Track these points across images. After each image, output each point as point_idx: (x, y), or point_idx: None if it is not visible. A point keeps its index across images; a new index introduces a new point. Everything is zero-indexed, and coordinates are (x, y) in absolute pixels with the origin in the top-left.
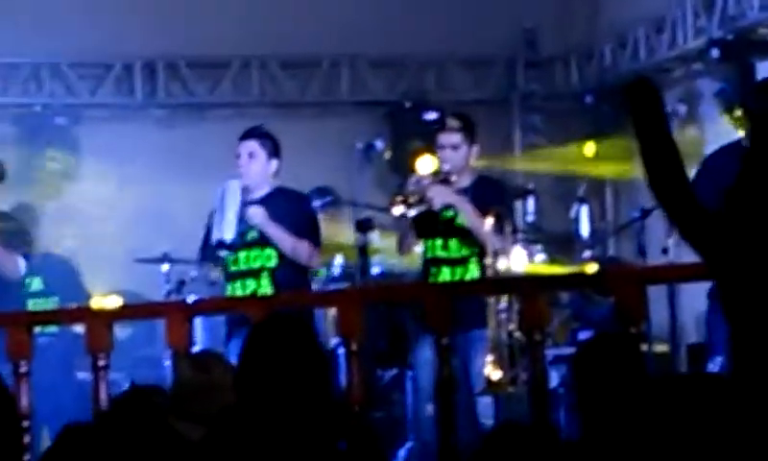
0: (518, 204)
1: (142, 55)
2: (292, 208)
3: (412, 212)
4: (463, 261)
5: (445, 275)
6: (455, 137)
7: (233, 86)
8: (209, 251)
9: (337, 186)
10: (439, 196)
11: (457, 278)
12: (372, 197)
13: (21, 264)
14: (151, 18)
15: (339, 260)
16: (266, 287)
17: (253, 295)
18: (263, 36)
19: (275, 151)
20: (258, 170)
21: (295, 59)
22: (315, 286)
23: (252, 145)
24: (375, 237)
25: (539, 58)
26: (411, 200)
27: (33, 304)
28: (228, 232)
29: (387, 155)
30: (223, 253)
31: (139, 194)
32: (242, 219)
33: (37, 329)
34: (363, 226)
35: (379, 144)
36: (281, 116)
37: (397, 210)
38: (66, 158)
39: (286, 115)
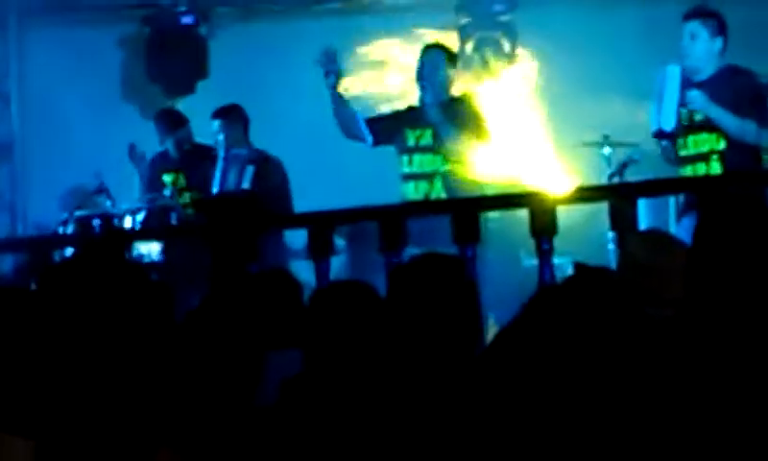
0: None
1: None
2: (738, 86)
3: None
4: None
5: None
6: None
7: None
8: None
9: None
10: None
11: None
12: None
13: None
14: None
15: None
16: (716, 169)
17: (694, 177)
18: None
19: (719, 29)
20: (702, 50)
21: None
22: None
23: (694, 25)
24: None
25: None
26: None
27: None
28: (666, 121)
29: None
30: (664, 142)
31: (576, 78)
32: (683, 104)
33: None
34: None
35: None
36: None
37: None
38: None
39: None
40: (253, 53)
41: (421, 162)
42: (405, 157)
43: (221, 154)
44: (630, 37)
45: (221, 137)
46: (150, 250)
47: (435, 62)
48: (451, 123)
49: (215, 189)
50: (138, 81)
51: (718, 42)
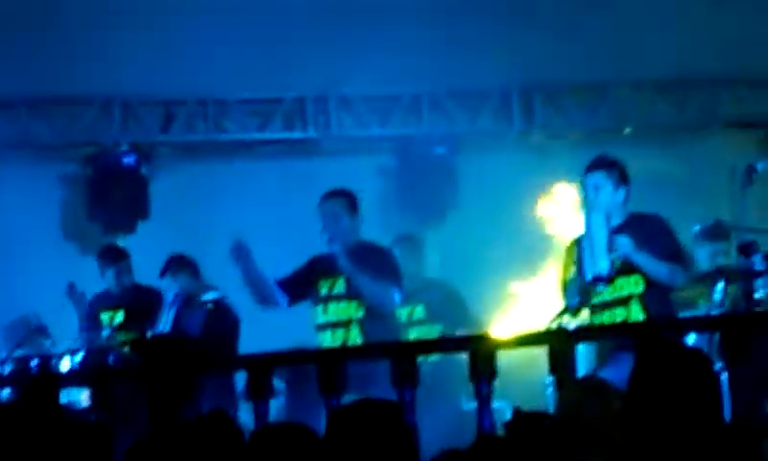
0: None
1: (519, 82)
2: (650, 232)
3: None
4: None
5: None
6: None
7: (610, 111)
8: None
9: (719, 210)
10: None
11: None
12: (755, 220)
13: (395, 297)
14: (525, 45)
15: (720, 285)
16: (636, 313)
17: (635, 322)
18: (640, 59)
19: (621, 179)
20: (607, 201)
21: (672, 82)
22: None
23: (598, 176)
24: (758, 261)
25: None
26: None
27: (414, 333)
28: (602, 266)
29: None
30: (600, 287)
31: (518, 220)
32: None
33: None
34: (746, 249)
35: (761, 166)
36: (661, 141)
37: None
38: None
39: (667, 140)
40: (195, 193)
41: (336, 310)
42: (320, 307)
43: (170, 297)
44: (565, 180)
45: (174, 283)
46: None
47: (335, 211)
48: (363, 270)
49: (163, 331)
50: (79, 219)
51: (622, 192)
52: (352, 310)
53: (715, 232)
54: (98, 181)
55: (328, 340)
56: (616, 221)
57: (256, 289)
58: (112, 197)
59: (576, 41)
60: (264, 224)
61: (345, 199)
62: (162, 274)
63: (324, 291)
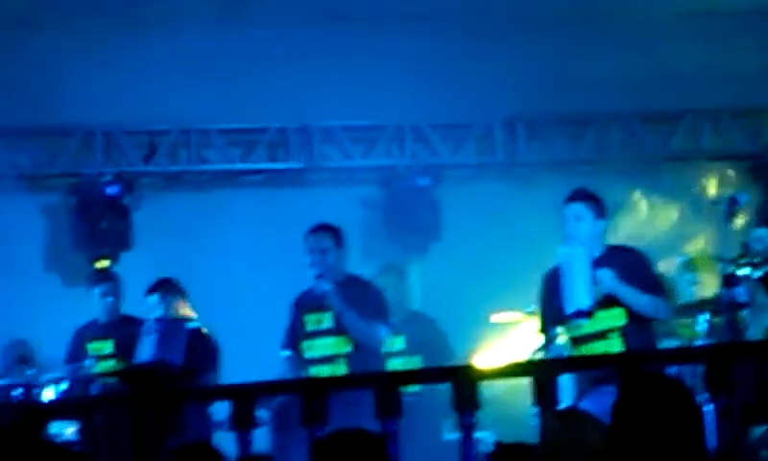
0: None
1: (502, 114)
2: (628, 265)
3: (758, 273)
4: None
5: None
6: None
7: (593, 143)
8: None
9: (702, 241)
10: None
11: None
12: (737, 252)
13: (383, 334)
14: (508, 77)
15: (704, 317)
16: (616, 347)
17: (617, 354)
18: (622, 91)
19: (600, 212)
20: (586, 232)
21: (656, 114)
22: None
23: (579, 207)
24: (742, 293)
25: None
26: (756, 259)
27: (394, 364)
28: (583, 300)
29: (752, 208)
30: (582, 321)
31: (505, 252)
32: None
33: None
34: (730, 281)
35: (744, 198)
36: (644, 173)
37: (743, 271)
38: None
39: (649, 171)
40: (178, 223)
41: (324, 346)
42: (306, 343)
43: (152, 326)
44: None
45: (159, 311)
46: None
47: (322, 246)
48: (350, 307)
49: (144, 359)
50: (62, 249)
51: (601, 225)
52: (341, 345)
53: (698, 264)
54: (81, 210)
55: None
56: (595, 253)
57: None
58: (96, 227)
59: (559, 73)
60: (247, 254)
61: (331, 233)
62: (150, 292)
63: (310, 326)
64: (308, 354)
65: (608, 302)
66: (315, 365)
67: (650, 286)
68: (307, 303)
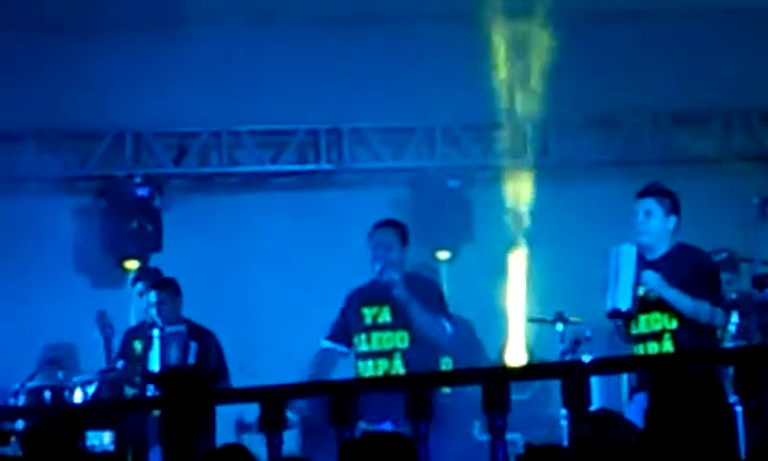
0: None
1: (533, 115)
2: (692, 266)
3: None
4: None
5: None
6: None
7: (624, 144)
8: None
9: (732, 243)
10: None
11: None
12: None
13: (447, 328)
14: (536, 79)
15: (735, 318)
16: (668, 348)
17: (645, 355)
18: (653, 91)
19: (673, 207)
20: (656, 228)
21: (686, 114)
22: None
23: (650, 203)
24: None
25: None
26: None
27: None
28: (623, 301)
29: None
30: (618, 321)
31: (532, 253)
32: (638, 284)
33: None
34: (761, 282)
35: None
36: (675, 174)
37: None
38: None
39: (681, 172)
40: (208, 225)
41: (380, 339)
42: (363, 336)
43: (156, 332)
44: (582, 213)
45: (154, 311)
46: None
47: (388, 241)
48: (414, 300)
49: (154, 366)
50: (92, 251)
51: (672, 221)
52: (397, 340)
53: (727, 264)
54: (111, 212)
55: (370, 369)
56: (662, 249)
57: (324, 373)
58: (126, 229)
59: (589, 74)
60: (277, 256)
61: (396, 229)
62: (149, 289)
63: (368, 320)
64: (364, 348)
65: (661, 303)
66: (372, 358)
67: (702, 289)
68: (366, 295)
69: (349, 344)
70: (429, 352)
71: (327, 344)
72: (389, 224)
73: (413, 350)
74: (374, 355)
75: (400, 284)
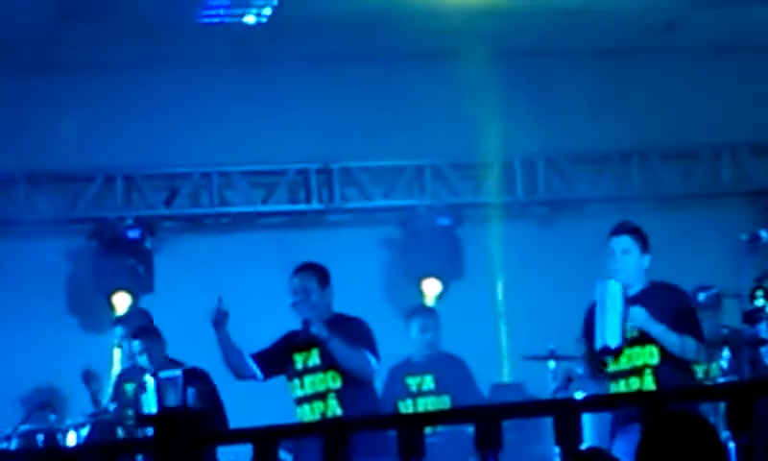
0: None
1: (522, 152)
2: (672, 302)
3: None
4: None
5: None
6: None
7: (613, 181)
8: (593, 360)
9: (721, 278)
10: None
11: None
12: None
13: (370, 360)
14: (525, 116)
15: (726, 353)
16: (649, 384)
17: (638, 392)
18: (642, 128)
19: (645, 246)
20: (633, 266)
21: (675, 150)
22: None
23: (626, 240)
24: (763, 329)
25: None
26: None
27: (424, 404)
28: (612, 338)
29: None
30: (609, 358)
31: (522, 291)
32: (625, 319)
33: (428, 429)
34: (751, 317)
35: (765, 234)
36: (664, 210)
37: (759, 302)
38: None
39: (670, 208)
40: (199, 266)
41: (313, 383)
42: (296, 381)
43: (150, 378)
44: (571, 249)
45: (143, 358)
46: None
47: (304, 286)
48: (334, 336)
49: (151, 410)
50: (84, 293)
51: (647, 259)
52: (329, 381)
53: (715, 300)
54: (103, 254)
55: (308, 413)
56: (638, 287)
57: (230, 360)
58: (117, 270)
59: (578, 111)
60: (268, 297)
61: (314, 272)
62: (134, 338)
63: (299, 365)
64: (299, 393)
65: (642, 339)
66: (308, 402)
67: (685, 327)
68: (296, 341)
69: (266, 374)
70: (365, 390)
71: (250, 361)
72: (307, 268)
73: (347, 389)
74: (309, 399)
75: (317, 322)
